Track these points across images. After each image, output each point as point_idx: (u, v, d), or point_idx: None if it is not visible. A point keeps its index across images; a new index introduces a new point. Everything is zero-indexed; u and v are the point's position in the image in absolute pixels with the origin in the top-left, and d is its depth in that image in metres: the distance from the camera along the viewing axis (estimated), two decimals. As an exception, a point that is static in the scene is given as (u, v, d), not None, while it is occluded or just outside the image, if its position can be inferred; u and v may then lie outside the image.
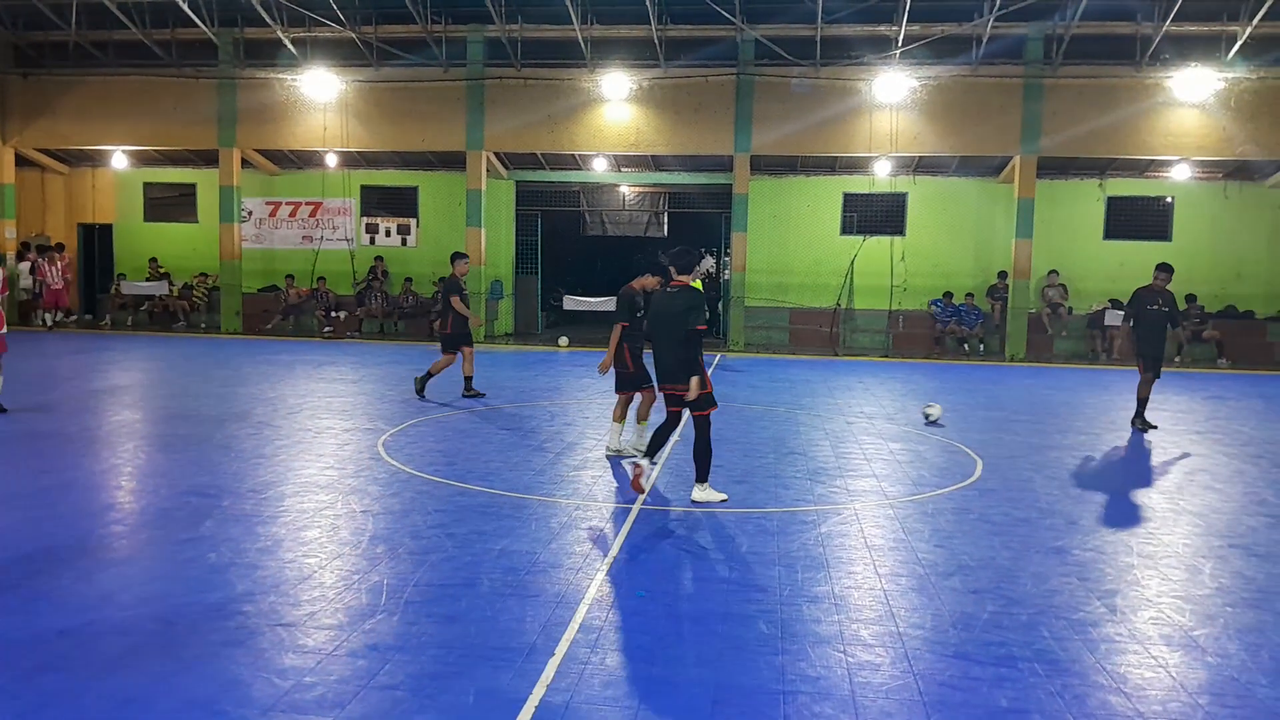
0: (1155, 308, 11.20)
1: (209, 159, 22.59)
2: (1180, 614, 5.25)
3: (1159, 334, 11.26)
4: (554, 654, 4.44)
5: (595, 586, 5.38)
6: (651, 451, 7.52)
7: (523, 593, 5.27)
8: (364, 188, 23.42)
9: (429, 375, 12.67)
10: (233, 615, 4.84)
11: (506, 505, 7.17)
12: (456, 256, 12.97)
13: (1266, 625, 5.12)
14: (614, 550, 6.07)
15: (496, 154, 21.87)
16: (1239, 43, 18.14)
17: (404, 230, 23.44)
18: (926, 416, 11.44)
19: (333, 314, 22.14)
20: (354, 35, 20.01)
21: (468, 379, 12.73)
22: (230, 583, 5.31)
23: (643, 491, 7.44)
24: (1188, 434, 11.16)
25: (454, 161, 22.03)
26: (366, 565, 5.68)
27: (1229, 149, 19.45)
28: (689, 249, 7.57)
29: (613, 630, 4.78)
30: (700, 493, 7.41)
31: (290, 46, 20.40)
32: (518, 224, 23.56)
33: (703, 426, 7.34)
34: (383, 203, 23.57)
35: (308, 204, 23.47)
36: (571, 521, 6.77)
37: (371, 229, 23.49)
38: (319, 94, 20.84)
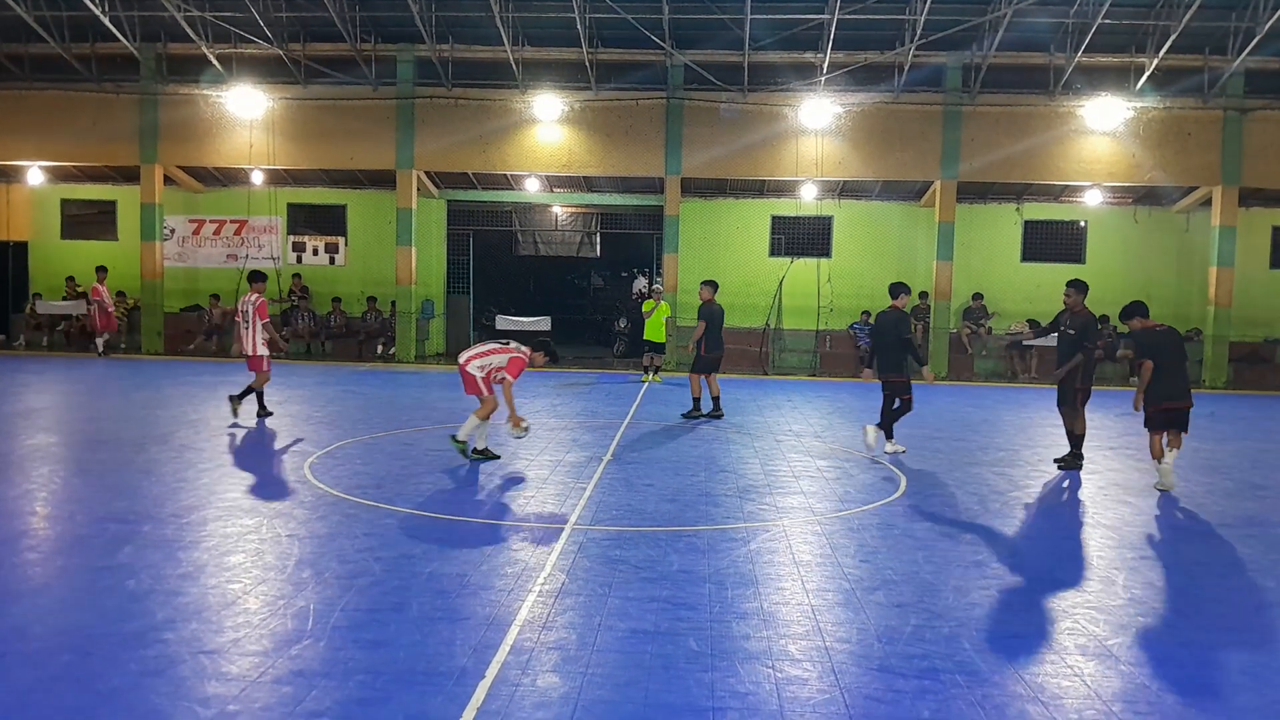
0: (1062, 329, 10.35)
1: (130, 176, 22.04)
2: (1095, 624, 5.43)
3: (1059, 358, 10.34)
4: (484, 676, 4.42)
5: (527, 608, 5.37)
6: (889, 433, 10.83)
7: (452, 616, 5.24)
8: (291, 206, 23.10)
9: (715, 400, 13.41)
10: (152, 644, 4.71)
11: (436, 527, 7.11)
12: (706, 284, 13.84)
13: (1178, 635, 5.32)
14: (546, 571, 6.06)
15: (427, 173, 21.76)
16: (1146, 74, 18.96)
17: (332, 249, 23.16)
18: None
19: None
20: (281, 53, 19.76)
21: (715, 399, 13.45)
22: (150, 610, 5.18)
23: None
24: (1102, 450, 11.54)
25: (384, 180, 21.88)
26: (292, 590, 5.58)
27: (1138, 175, 20.28)
28: (902, 283, 11.04)
29: (544, 651, 4.77)
30: (885, 445, 10.75)
31: (215, 63, 20.07)
32: (449, 243, 23.44)
33: (903, 405, 10.81)
34: (310, 221, 23.26)
35: (232, 222, 23.06)
36: (503, 543, 6.75)
37: (298, 248, 23.15)
38: (245, 111, 20.52)
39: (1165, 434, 9.28)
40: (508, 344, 9.73)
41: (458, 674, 4.45)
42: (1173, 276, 22.05)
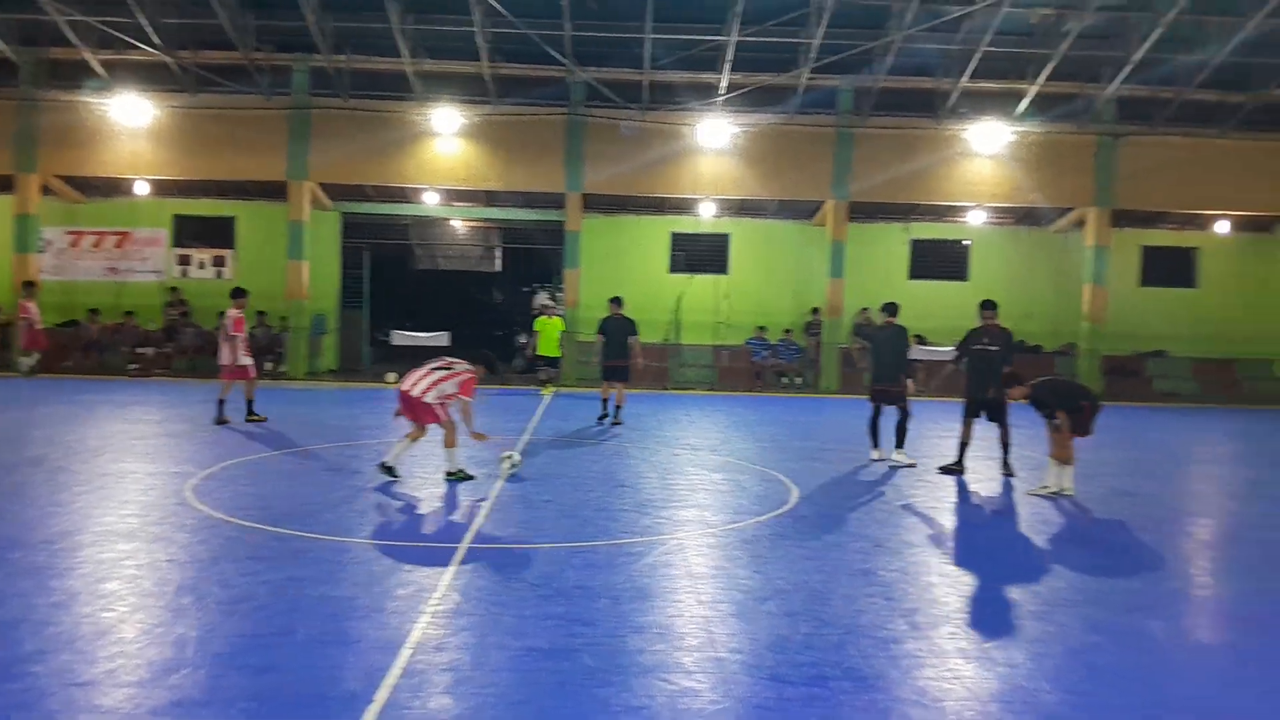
0: (980, 346, 10.96)
1: (4, 185, 20.97)
2: (975, 628, 5.64)
3: (982, 374, 10.85)
4: (374, 700, 4.34)
5: (419, 629, 5.28)
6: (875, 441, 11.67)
7: (342, 639, 5.12)
8: (177, 217, 22.34)
9: (616, 408, 14.62)
10: (20, 676, 4.48)
11: (326, 549, 6.94)
12: (610, 301, 15.28)
13: (1050, 635, 5.57)
14: (439, 591, 5.98)
15: (321, 185, 21.31)
16: (1027, 100, 19.85)
17: (219, 262, 22.44)
18: (511, 460, 9.97)
19: (139, 350, 20.85)
20: (169, 60, 19.11)
21: (616, 407, 14.69)
22: (18, 640, 4.92)
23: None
24: (983, 460, 11.97)
25: (275, 192, 21.32)
26: (171, 617, 5.38)
27: (1019, 196, 21.21)
28: (895, 303, 11.89)
29: (438, 673, 4.71)
30: (898, 455, 11.33)
31: (100, 69, 19.29)
32: (344, 257, 22.97)
33: (903, 415, 11.41)
34: (197, 234, 22.51)
35: (114, 234, 22.15)
36: (396, 563, 6.63)
37: (184, 261, 22.38)
38: (130, 119, 19.78)
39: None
40: (451, 366, 9.47)
41: (346, 698, 4.36)
42: (1050, 294, 23.08)
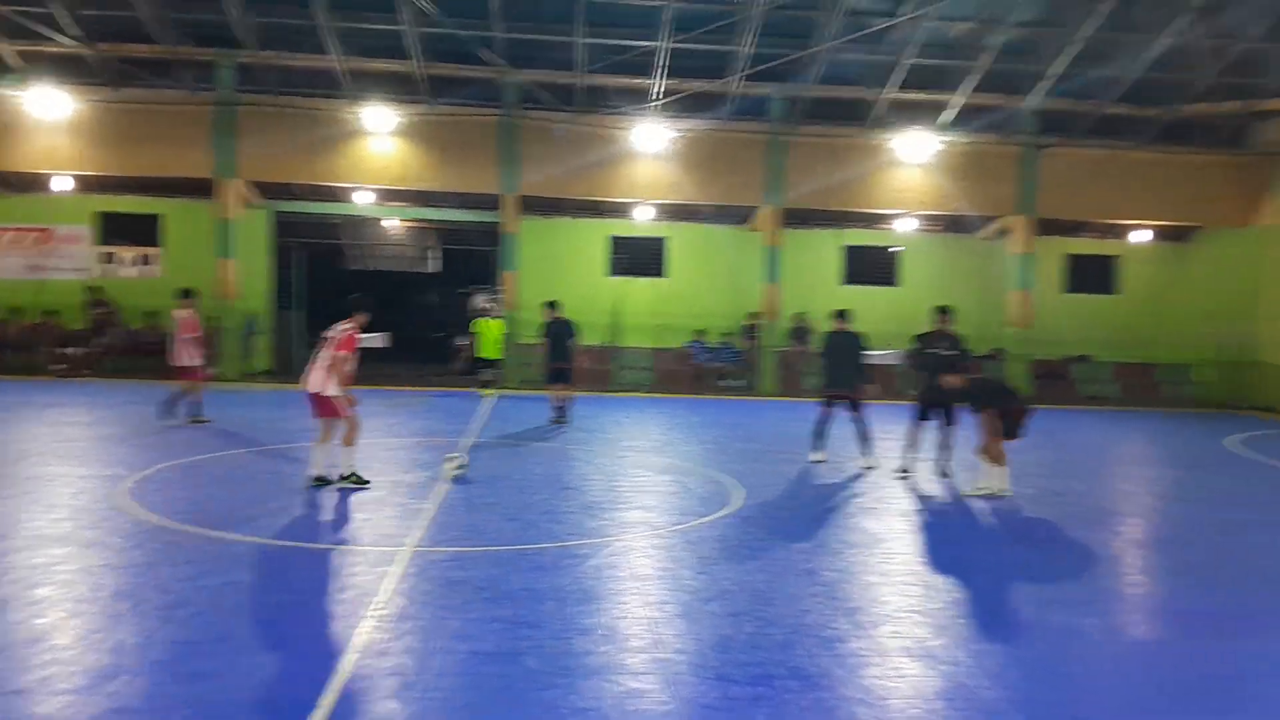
0: (934, 350, 11.18)
1: (-90, 180, 20.15)
2: (918, 627, 5.75)
3: (936, 377, 10.94)
4: (317, 707, 4.28)
5: (363, 634, 5.22)
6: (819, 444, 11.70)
7: (283, 645, 5.04)
8: (101, 214, 21.65)
9: (559, 408, 14.82)
10: (-53, 688, 4.33)
11: (266, 553, 6.82)
12: (545, 305, 15.53)
13: (990, 633, 5.71)
14: (383, 595, 5.91)
15: (251, 182, 20.86)
16: (953, 111, 20.30)
17: (145, 260, 21.81)
18: (457, 462, 9.98)
19: (61, 350, 20.17)
20: (89, 53, 18.53)
21: (558, 408, 14.86)
22: (-57, 652, 4.75)
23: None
24: (922, 461, 12.20)
25: (202, 189, 20.79)
26: (108, 623, 5.24)
27: (946, 205, 21.69)
28: (847, 309, 11.97)
29: (383, 678, 4.66)
30: (866, 461, 11.40)
31: (18, 60, 18.62)
32: (277, 256, 22.51)
33: (859, 421, 11.54)
34: (122, 231, 21.85)
35: (34, 231, 21.40)
36: (338, 567, 6.54)
37: (109, 259, 21.71)
38: (47, 113, 19.11)
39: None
40: (327, 338, 9.19)
41: (289, 705, 4.30)
42: (976, 299, 23.49)
